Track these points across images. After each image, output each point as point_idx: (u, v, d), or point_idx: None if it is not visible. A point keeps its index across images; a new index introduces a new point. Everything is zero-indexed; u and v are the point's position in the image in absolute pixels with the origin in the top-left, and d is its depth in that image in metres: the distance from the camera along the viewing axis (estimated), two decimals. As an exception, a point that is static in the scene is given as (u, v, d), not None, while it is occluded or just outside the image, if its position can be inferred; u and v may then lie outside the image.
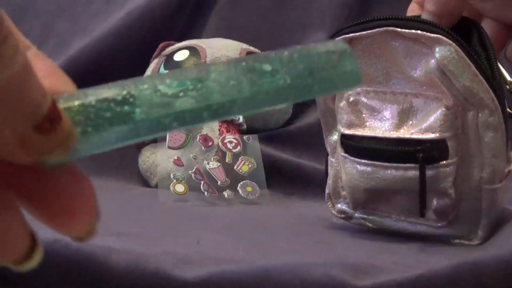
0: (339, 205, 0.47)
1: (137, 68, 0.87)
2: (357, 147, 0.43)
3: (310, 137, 0.80)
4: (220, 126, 0.76)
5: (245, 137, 0.75)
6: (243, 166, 0.70)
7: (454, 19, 0.41)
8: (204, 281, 0.28)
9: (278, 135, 0.81)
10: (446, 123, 0.40)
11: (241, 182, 0.68)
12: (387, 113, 0.42)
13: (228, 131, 0.76)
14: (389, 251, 0.38)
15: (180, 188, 0.66)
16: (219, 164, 0.70)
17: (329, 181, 0.48)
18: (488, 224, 0.40)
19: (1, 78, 0.16)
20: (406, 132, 0.41)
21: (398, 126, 0.42)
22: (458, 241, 0.41)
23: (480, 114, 0.40)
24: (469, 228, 0.41)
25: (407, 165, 0.41)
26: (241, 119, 0.78)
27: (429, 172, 0.40)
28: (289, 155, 0.77)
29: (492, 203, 0.41)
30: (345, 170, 0.44)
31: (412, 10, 0.45)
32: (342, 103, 0.44)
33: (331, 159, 0.49)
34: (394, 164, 0.41)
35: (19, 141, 0.18)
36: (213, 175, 0.69)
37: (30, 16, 1.08)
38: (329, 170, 0.49)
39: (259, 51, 0.84)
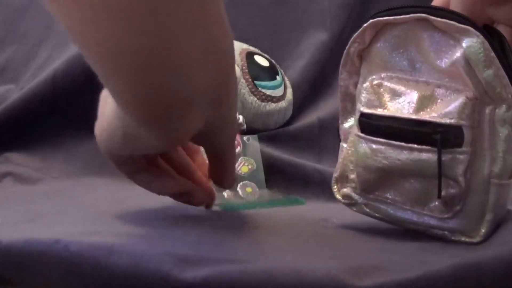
0: (345, 189, 0.48)
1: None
2: (374, 125, 0.44)
3: (310, 137, 0.80)
4: (220, 126, 0.76)
5: (245, 137, 0.75)
6: (243, 167, 0.70)
7: (478, 24, 0.42)
8: (204, 281, 0.28)
9: (278, 135, 0.81)
10: (464, 112, 0.41)
11: (241, 183, 0.68)
12: (408, 98, 0.43)
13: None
14: (389, 251, 0.38)
15: (180, 188, 0.66)
16: (219, 164, 0.70)
17: (338, 165, 0.49)
18: (491, 221, 0.41)
19: None
20: (424, 115, 0.42)
21: (418, 110, 0.43)
22: (459, 238, 0.41)
23: (497, 110, 0.41)
24: (472, 223, 0.41)
25: (423, 146, 0.42)
26: (241, 119, 0.78)
27: (443, 157, 0.41)
28: (289, 155, 0.77)
29: (499, 198, 0.42)
30: (359, 150, 0.45)
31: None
32: (366, 84, 0.46)
33: (342, 145, 0.50)
34: (410, 145, 0.42)
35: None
36: (213, 175, 0.69)
37: (30, 16, 1.08)
38: (339, 156, 0.50)
39: (259, 51, 0.84)
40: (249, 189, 0.68)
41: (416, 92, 0.43)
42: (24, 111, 0.89)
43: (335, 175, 0.50)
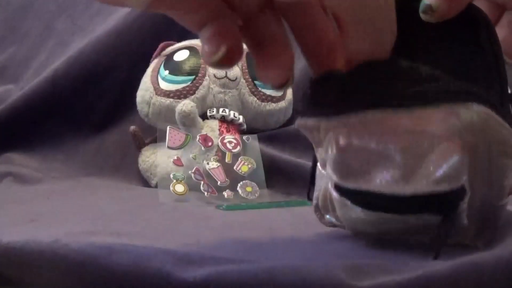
0: (328, 216, 0.41)
1: (137, 68, 0.87)
2: (357, 199, 0.35)
3: (310, 137, 0.80)
4: (220, 126, 0.76)
5: (244, 137, 0.75)
6: (243, 167, 0.70)
7: (465, 2, 0.35)
8: (204, 281, 0.28)
9: (278, 135, 0.81)
10: (462, 167, 0.33)
11: (241, 182, 0.69)
12: (389, 159, 0.34)
13: (228, 131, 0.76)
14: (389, 251, 0.38)
15: (180, 188, 0.66)
16: (218, 164, 0.70)
17: (318, 193, 0.41)
18: (489, 235, 0.39)
19: None
20: (417, 184, 0.33)
21: (406, 176, 0.33)
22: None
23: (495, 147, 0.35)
24: (470, 235, 0.39)
25: (424, 214, 0.34)
26: (241, 119, 0.79)
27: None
28: (289, 155, 0.77)
29: (498, 217, 0.37)
30: (345, 211, 0.36)
31: None
32: (330, 151, 0.35)
33: (320, 169, 0.40)
34: (407, 216, 0.35)
35: None
36: (212, 175, 0.69)
37: (30, 16, 1.08)
38: (317, 180, 0.41)
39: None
40: (249, 189, 0.68)
41: (398, 146, 0.33)
42: (24, 111, 0.89)
43: (316, 202, 0.41)
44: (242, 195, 0.67)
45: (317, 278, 0.28)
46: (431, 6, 0.34)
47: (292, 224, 0.51)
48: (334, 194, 0.36)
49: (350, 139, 0.34)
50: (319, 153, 0.39)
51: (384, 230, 0.36)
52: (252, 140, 0.75)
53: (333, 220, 0.40)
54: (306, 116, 0.37)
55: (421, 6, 0.35)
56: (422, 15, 0.35)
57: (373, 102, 0.34)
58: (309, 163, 0.45)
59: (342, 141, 0.35)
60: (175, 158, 0.71)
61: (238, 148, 0.72)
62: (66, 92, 0.90)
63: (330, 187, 0.37)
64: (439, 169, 0.33)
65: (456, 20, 0.35)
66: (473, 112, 0.33)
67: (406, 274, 0.28)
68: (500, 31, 0.40)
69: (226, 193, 0.67)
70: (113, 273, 0.30)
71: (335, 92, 0.35)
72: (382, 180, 0.34)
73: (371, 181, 0.34)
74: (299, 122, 0.38)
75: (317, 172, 0.41)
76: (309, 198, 0.43)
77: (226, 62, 0.31)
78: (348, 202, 0.35)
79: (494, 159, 0.35)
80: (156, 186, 0.76)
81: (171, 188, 0.66)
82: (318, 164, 0.41)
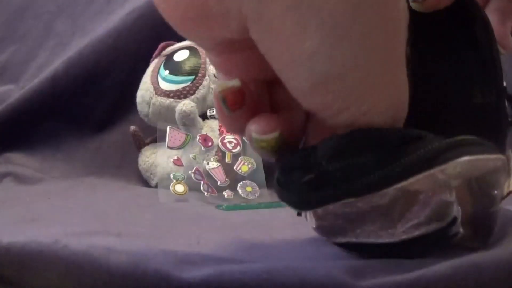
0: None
1: (137, 68, 0.87)
2: (352, 248, 0.35)
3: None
4: (220, 126, 0.76)
5: (244, 137, 0.75)
6: (243, 166, 0.70)
7: None
8: (204, 281, 0.28)
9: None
10: (451, 205, 0.32)
11: (241, 182, 0.69)
12: (373, 213, 0.32)
13: (228, 131, 0.76)
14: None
15: (180, 188, 0.66)
16: (218, 164, 0.70)
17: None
18: (486, 237, 0.38)
19: None
20: (407, 230, 0.32)
21: (394, 225, 0.32)
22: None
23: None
24: (468, 237, 0.39)
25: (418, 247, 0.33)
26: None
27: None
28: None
29: (493, 222, 0.36)
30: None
31: None
32: (310, 220, 0.35)
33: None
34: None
35: None
36: (212, 175, 0.69)
37: (30, 16, 1.08)
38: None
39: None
40: (249, 188, 0.68)
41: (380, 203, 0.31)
42: (24, 111, 0.89)
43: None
44: (242, 195, 0.67)
45: (317, 278, 0.28)
46: None
47: (292, 224, 0.51)
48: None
49: (326, 207, 0.31)
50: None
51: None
52: (252, 140, 0.75)
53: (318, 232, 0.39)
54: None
55: None
56: (412, 4, 0.34)
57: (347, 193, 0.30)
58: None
59: (318, 212, 0.34)
60: (175, 158, 0.71)
61: (238, 148, 0.72)
62: (66, 92, 0.90)
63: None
64: (425, 213, 0.32)
65: (449, 15, 0.35)
66: (458, 166, 0.30)
67: (406, 274, 0.28)
68: (489, 17, 0.38)
69: (226, 193, 0.67)
70: (113, 273, 0.30)
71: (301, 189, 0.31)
72: (370, 232, 0.33)
73: (360, 234, 0.33)
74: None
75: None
76: (299, 214, 0.41)
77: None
78: (344, 249, 0.36)
79: (480, 177, 0.33)
80: (156, 186, 0.76)
81: (171, 188, 0.66)
82: None
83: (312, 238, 0.43)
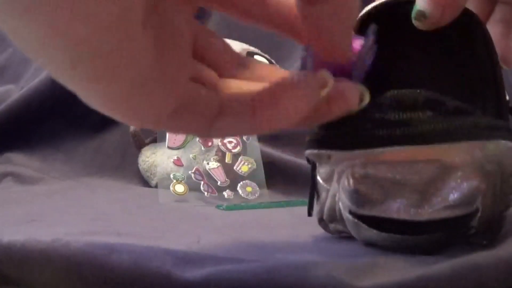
0: (333, 225, 0.41)
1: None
2: (373, 223, 0.35)
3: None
4: (220, 126, 0.76)
5: (244, 137, 0.75)
6: (243, 167, 0.70)
7: (459, 9, 0.34)
8: (204, 281, 0.28)
9: (278, 135, 0.81)
10: (478, 193, 0.33)
11: (241, 182, 0.69)
12: (405, 187, 0.34)
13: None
14: (389, 251, 0.38)
15: (180, 188, 0.66)
16: (218, 164, 0.70)
17: (321, 206, 0.40)
18: (493, 235, 0.39)
19: None
20: (432, 211, 0.33)
21: (422, 203, 0.34)
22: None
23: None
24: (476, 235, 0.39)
25: (436, 234, 0.35)
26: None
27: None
28: (289, 155, 0.77)
29: (503, 222, 0.37)
30: (358, 229, 0.37)
31: None
32: (346, 181, 0.35)
33: (324, 185, 0.40)
34: (422, 236, 0.35)
35: None
36: (212, 175, 0.69)
37: (30, 16, 1.08)
38: (323, 196, 0.40)
39: (259, 51, 0.84)
40: (249, 189, 0.68)
41: (415, 177, 0.34)
42: (24, 111, 0.89)
43: (320, 216, 0.41)
44: (242, 195, 0.67)
45: (317, 278, 0.28)
46: (424, 13, 0.34)
47: (292, 224, 0.51)
48: (348, 216, 0.36)
49: (366, 170, 0.34)
50: (324, 168, 0.39)
51: (395, 245, 0.36)
52: (252, 140, 0.75)
53: (340, 227, 0.40)
54: (315, 148, 0.37)
55: (413, 12, 0.34)
56: (414, 22, 0.34)
57: (392, 141, 0.34)
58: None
59: (358, 173, 0.35)
60: (175, 158, 0.71)
61: (238, 148, 0.72)
62: (66, 92, 0.90)
63: (342, 209, 0.37)
64: (455, 196, 0.33)
65: (450, 30, 0.35)
66: (499, 147, 0.34)
67: (406, 274, 0.28)
68: (492, 29, 0.38)
69: (226, 193, 0.67)
70: (113, 272, 0.30)
71: (350, 131, 0.35)
72: (398, 208, 0.34)
73: (387, 209, 0.34)
74: (309, 152, 0.38)
75: (319, 184, 0.41)
76: (310, 214, 0.42)
77: None
78: (363, 225, 0.36)
79: (506, 179, 0.35)
80: (156, 186, 0.76)
81: (171, 188, 0.66)
82: (319, 178, 0.40)
83: (312, 238, 0.43)
